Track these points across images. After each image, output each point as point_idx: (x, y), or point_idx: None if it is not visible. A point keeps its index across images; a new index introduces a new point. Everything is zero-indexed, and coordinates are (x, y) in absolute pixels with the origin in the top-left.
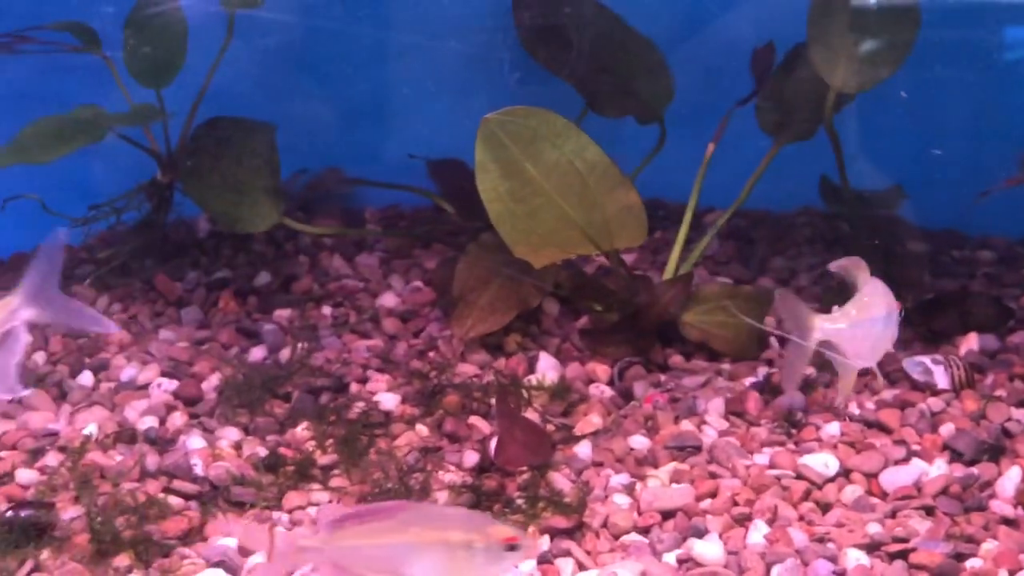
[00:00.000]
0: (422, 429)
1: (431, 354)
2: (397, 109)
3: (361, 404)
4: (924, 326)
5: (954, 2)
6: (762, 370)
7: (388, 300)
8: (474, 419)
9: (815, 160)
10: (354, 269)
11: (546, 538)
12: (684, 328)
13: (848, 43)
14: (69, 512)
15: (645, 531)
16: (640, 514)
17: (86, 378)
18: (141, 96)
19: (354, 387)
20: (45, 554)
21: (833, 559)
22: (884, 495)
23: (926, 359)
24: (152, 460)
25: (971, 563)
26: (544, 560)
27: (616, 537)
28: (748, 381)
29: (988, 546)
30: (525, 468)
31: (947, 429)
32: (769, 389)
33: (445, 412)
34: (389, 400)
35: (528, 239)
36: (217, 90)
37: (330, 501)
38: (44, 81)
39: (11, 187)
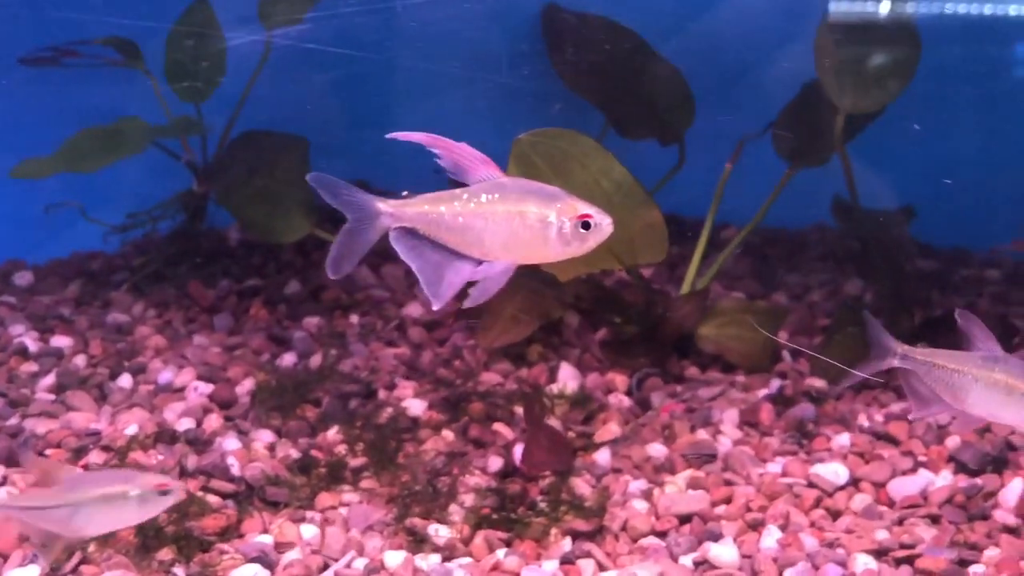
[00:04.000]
0: (448, 434)
1: (456, 363)
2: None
3: (389, 410)
4: (931, 342)
5: (959, 19)
6: (775, 382)
7: (413, 310)
8: (498, 426)
9: (828, 179)
10: (380, 279)
11: (568, 540)
12: (700, 341)
13: (854, 66)
14: None
15: (663, 535)
16: (658, 518)
17: (125, 380)
18: (179, 109)
19: (382, 393)
20: (92, 547)
21: (843, 563)
22: (892, 503)
23: None
24: (191, 460)
25: (974, 569)
26: (566, 561)
27: (634, 540)
28: (761, 393)
29: (991, 553)
30: (548, 473)
31: (953, 441)
32: (782, 400)
33: (470, 419)
34: (416, 406)
35: None
36: (256, 105)
37: (360, 502)
38: (86, 93)
39: (51, 195)
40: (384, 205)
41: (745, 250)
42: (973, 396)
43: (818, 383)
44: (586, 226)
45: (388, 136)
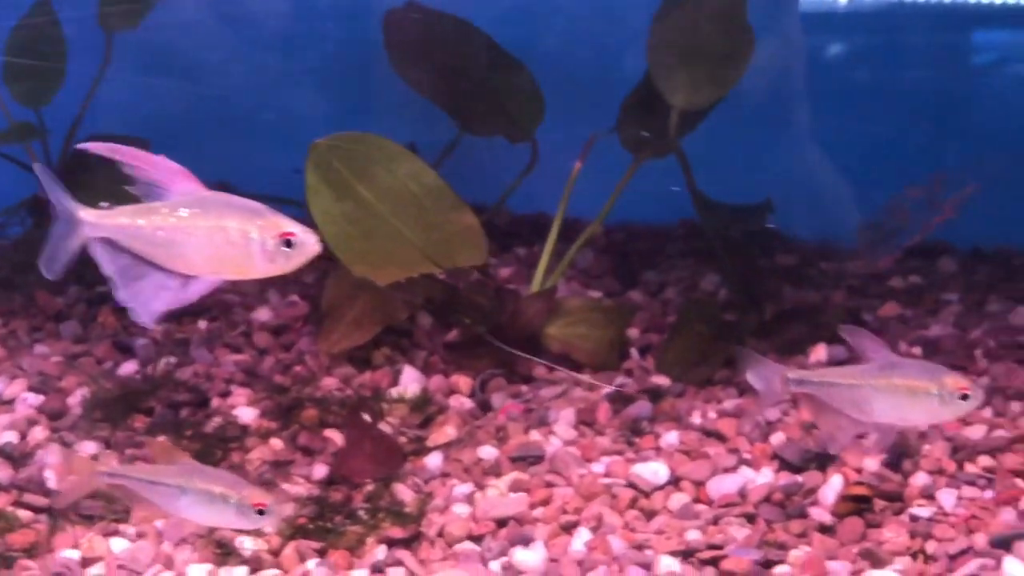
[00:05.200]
0: (276, 443)
1: (297, 368)
2: (284, 125)
3: (219, 418)
4: (779, 336)
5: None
6: (620, 380)
7: (262, 314)
8: (329, 432)
9: (697, 173)
10: (235, 283)
11: (383, 548)
12: (547, 340)
13: (687, 63)
14: None
15: (478, 539)
16: (476, 523)
17: None
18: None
19: (215, 401)
20: None
21: (647, 565)
22: (711, 502)
23: None
24: (5, 474)
25: (779, 569)
26: (377, 570)
27: (450, 545)
28: (604, 391)
29: (797, 553)
30: (372, 480)
31: (777, 438)
32: (621, 399)
33: (301, 426)
34: (247, 414)
35: (365, 259)
36: (107, 105)
37: None
38: None
39: None
40: (85, 214)
41: (607, 247)
42: (879, 406)
43: (662, 380)
44: (289, 244)
45: (79, 147)
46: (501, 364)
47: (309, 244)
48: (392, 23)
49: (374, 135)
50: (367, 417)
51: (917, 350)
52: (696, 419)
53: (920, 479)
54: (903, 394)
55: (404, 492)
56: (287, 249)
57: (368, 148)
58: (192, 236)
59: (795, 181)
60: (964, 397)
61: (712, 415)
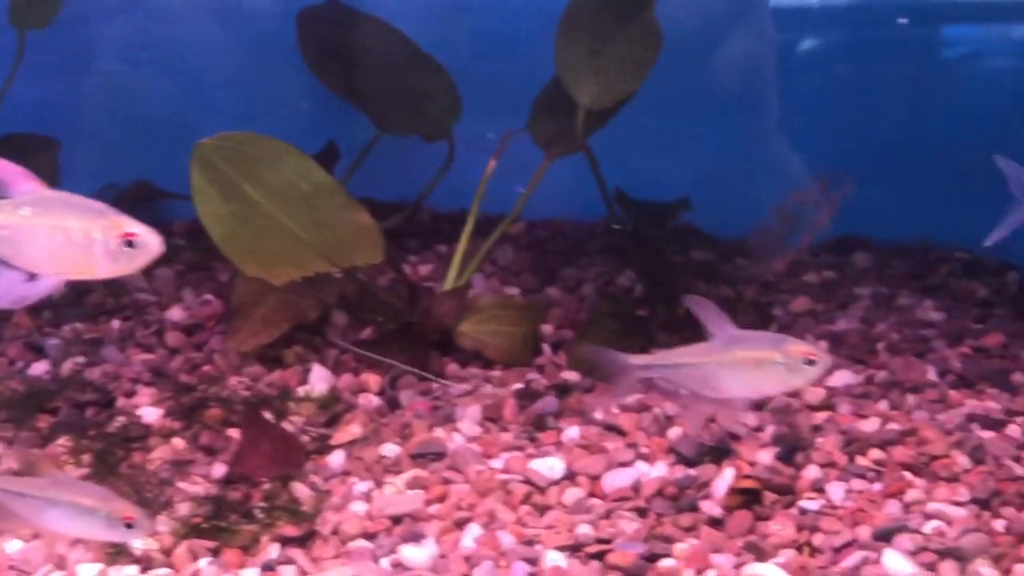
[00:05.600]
0: (179, 442)
1: (206, 368)
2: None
3: (123, 418)
4: (686, 332)
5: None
6: (531, 376)
7: (175, 313)
8: (232, 432)
9: (623, 170)
10: (151, 282)
11: (276, 546)
12: (459, 338)
13: (593, 63)
14: None
15: (373, 537)
16: (372, 520)
17: None
18: None
19: (121, 401)
20: None
21: (533, 560)
22: (605, 497)
23: None
24: None
25: (664, 563)
26: (268, 568)
27: (344, 543)
28: (514, 387)
29: (682, 546)
30: (271, 478)
31: (674, 432)
32: (528, 395)
33: (204, 425)
34: (151, 414)
35: (257, 258)
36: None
37: None
38: None
39: None
40: None
41: (529, 244)
42: (727, 381)
43: (571, 376)
44: (131, 244)
45: None
46: (413, 362)
47: (152, 244)
48: (306, 22)
49: (260, 135)
50: (268, 416)
51: (823, 343)
52: (599, 414)
53: (811, 472)
54: (750, 367)
55: (302, 491)
56: (129, 249)
57: (253, 147)
58: (35, 235)
59: (711, 177)
60: (810, 362)
61: (615, 410)
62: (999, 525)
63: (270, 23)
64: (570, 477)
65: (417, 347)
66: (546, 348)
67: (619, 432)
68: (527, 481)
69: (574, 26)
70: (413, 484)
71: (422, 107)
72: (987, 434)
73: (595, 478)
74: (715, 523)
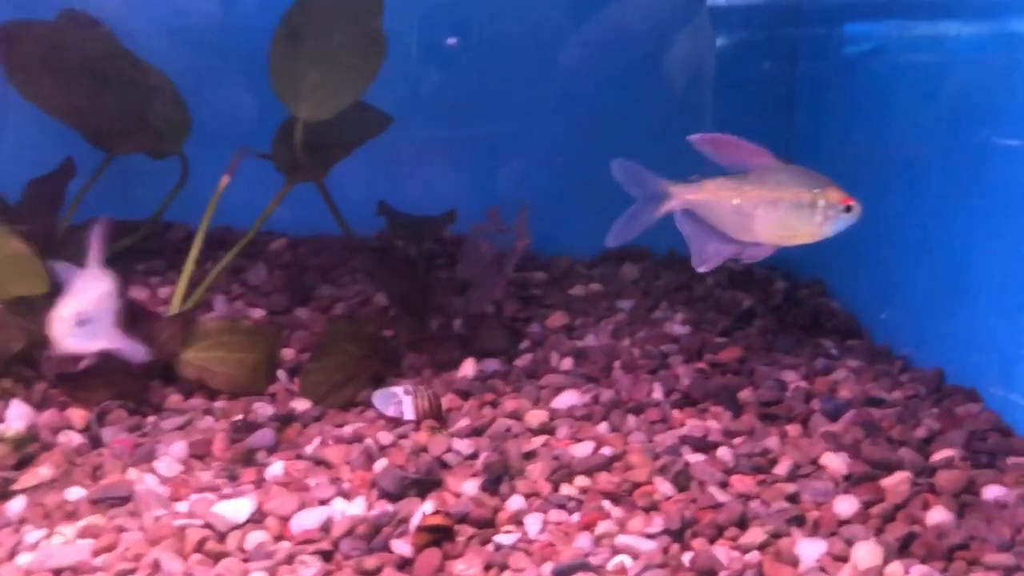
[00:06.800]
0: None
1: None
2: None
3: None
4: (436, 353)
5: None
6: (258, 405)
7: None
8: None
9: (395, 185)
10: None
11: None
12: (182, 367)
13: (311, 76)
14: None
15: None
16: (31, 575)
17: None
18: None
19: None
20: None
21: None
22: (292, 538)
23: (399, 390)
24: None
25: None
26: None
27: None
28: (233, 419)
29: None
30: None
31: (380, 465)
32: (245, 427)
33: None
34: None
35: None
36: None
37: None
38: None
39: None
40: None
41: (288, 262)
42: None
43: (302, 404)
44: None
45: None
46: (126, 394)
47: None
48: (10, 37)
49: None
50: None
51: (568, 361)
52: (310, 447)
53: (515, 503)
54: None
55: None
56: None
57: None
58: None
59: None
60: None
61: (330, 440)
62: (686, 558)
63: None
64: (258, 520)
65: (135, 377)
66: (282, 374)
67: (327, 466)
68: (207, 526)
69: (292, 33)
70: (86, 533)
71: (148, 123)
72: (696, 457)
73: (286, 519)
74: (405, 564)
